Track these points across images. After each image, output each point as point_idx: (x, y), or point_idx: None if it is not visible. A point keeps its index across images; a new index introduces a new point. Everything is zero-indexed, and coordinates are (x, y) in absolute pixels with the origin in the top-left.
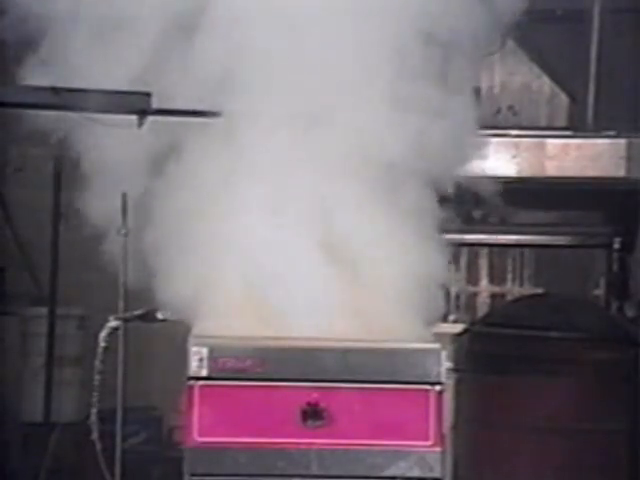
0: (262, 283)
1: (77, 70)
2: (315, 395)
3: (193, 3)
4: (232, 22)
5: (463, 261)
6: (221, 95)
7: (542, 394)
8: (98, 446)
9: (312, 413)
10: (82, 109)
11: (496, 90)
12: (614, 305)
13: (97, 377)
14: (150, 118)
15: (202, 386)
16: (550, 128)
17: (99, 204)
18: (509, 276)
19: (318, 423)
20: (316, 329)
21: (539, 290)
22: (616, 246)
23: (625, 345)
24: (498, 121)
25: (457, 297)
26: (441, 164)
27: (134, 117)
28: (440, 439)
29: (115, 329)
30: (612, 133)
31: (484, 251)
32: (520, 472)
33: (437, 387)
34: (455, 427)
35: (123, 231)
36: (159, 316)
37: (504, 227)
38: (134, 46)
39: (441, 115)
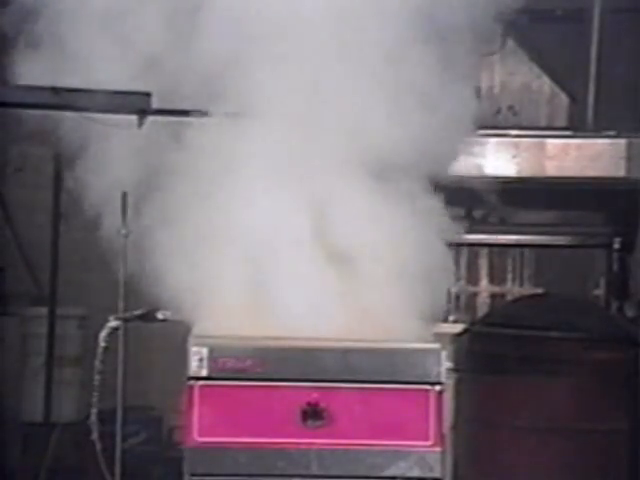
0: (261, 283)
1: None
2: (315, 395)
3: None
4: (229, 21)
5: (463, 261)
6: (220, 93)
7: (542, 394)
8: (98, 446)
9: (312, 413)
10: (82, 109)
11: (496, 90)
12: (614, 305)
13: (97, 377)
14: (150, 118)
15: (202, 386)
16: (550, 128)
17: (99, 204)
18: (509, 276)
19: (318, 423)
20: (315, 329)
21: (539, 290)
22: (616, 246)
23: (625, 345)
24: (498, 121)
25: (457, 297)
26: (438, 158)
27: (134, 117)
28: (440, 439)
29: (115, 329)
30: (612, 133)
31: (484, 251)
32: (520, 472)
33: (437, 387)
34: (455, 427)
35: (123, 231)
36: (159, 316)
37: (504, 227)
38: (134, 44)
39: (437, 108)
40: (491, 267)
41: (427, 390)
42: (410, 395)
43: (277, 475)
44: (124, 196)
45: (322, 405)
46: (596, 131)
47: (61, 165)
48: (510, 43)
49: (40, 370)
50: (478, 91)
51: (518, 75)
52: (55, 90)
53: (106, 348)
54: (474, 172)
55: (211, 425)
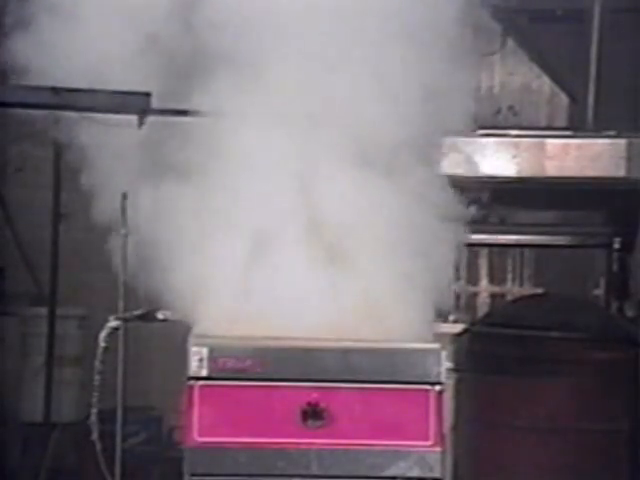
0: (259, 282)
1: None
2: (315, 395)
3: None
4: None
5: (463, 261)
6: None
7: (542, 394)
8: (98, 446)
9: (312, 413)
10: (82, 109)
11: (496, 90)
12: (614, 305)
13: (97, 377)
14: (150, 118)
15: (202, 386)
16: (550, 128)
17: (99, 204)
18: (509, 276)
19: (318, 423)
20: (315, 329)
21: (539, 290)
22: (616, 246)
23: (625, 345)
24: (498, 121)
25: (457, 297)
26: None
27: (134, 117)
28: (440, 439)
29: (115, 329)
30: (612, 133)
31: (484, 251)
32: (520, 472)
33: (437, 387)
34: (455, 427)
35: (123, 231)
36: (159, 316)
37: (504, 227)
38: (133, 43)
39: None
40: (491, 267)
41: (427, 390)
42: (410, 395)
43: (277, 475)
44: (124, 196)
45: (322, 405)
46: (596, 131)
47: (61, 165)
48: (510, 43)
49: (40, 370)
50: (478, 90)
51: (518, 75)
52: (55, 90)
53: (106, 348)
54: (474, 172)
55: (211, 425)
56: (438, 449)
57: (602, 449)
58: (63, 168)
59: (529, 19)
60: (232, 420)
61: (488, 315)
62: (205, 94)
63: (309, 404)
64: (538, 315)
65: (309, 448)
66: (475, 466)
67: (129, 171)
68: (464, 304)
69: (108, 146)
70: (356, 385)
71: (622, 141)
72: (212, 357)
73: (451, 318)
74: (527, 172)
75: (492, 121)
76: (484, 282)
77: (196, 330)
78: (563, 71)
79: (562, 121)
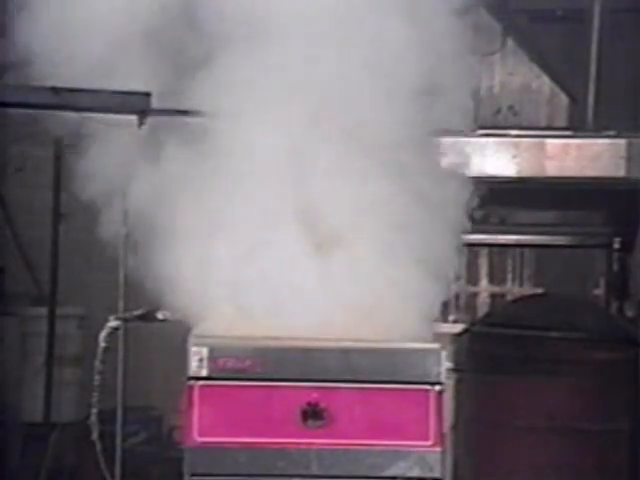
0: (258, 282)
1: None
2: (315, 395)
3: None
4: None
5: (463, 261)
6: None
7: (542, 394)
8: (98, 446)
9: (312, 413)
10: (82, 109)
11: (496, 90)
12: (614, 305)
13: (97, 377)
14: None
15: (202, 386)
16: (550, 128)
17: (99, 204)
18: (509, 276)
19: (318, 423)
20: (314, 329)
21: (539, 290)
22: (616, 246)
23: (625, 345)
24: (498, 121)
25: (457, 297)
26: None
27: (134, 117)
28: (440, 439)
29: (115, 329)
30: (612, 133)
31: (484, 251)
32: (520, 472)
33: (437, 387)
34: (455, 427)
35: (123, 231)
36: (159, 316)
37: (504, 227)
38: (134, 44)
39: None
40: (491, 267)
41: (427, 390)
42: (410, 395)
43: (277, 475)
44: (124, 196)
45: (322, 405)
46: (596, 131)
47: (61, 165)
48: (510, 43)
49: (40, 370)
50: (477, 90)
51: (518, 75)
52: (55, 90)
53: (106, 348)
54: (474, 172)
55: (211, 425)
56: (438, 449)
57: (602, 449)
58: (63, 168)
59: (529, 19)
60: (232, 420)
61: (488, 315)
62: (202, 92)
63: (309, 404)
64: (538, 315)
65: (309, 448)
66: (475, 466)
67: (129, 170)
68: (464, 304)
69: (108, 146)
70: (356, 385)
71: (622, 141)
72: (212, 357)
73: (451, 318)
74: (527, 172)
75: (492, 121)
76: (484, 282)
77: (196, 330)
78: (563, 71)
79: (562, 121)
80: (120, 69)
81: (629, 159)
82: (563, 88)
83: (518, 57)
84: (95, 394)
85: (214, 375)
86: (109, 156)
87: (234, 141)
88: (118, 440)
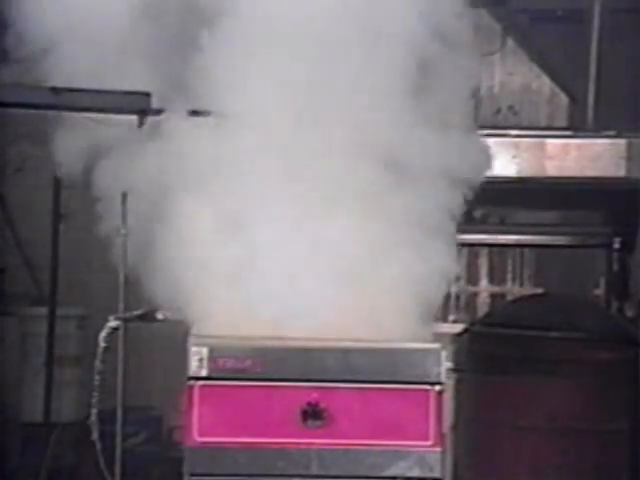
0: (257, 283)
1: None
2: (315, 395)
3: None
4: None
5: (463, 261)
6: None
7: (542, 394)
8: (98, 446)
9: (312, 413)
10: (82, 109)
11: (496, 90)
12: (614, 305)
13: (97, 377)
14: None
15: (202, 386)
16: (550, 128)
17: (99, 204)
18: (509, 276)
19: (318, 423)
20: (313, 329)
21: (539, 290)
22: (616, 246)
23: (625, 345)
24: (498, 121)
25: (457, 297)
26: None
27: (134, 117)
28: (440, 439)
29: (115, 329)
30: (612, 133)
31: (484, 251)
32: (520, 472)
33: (437, 387)
34: (455, 427)
35: (123, 231)
36: (159, 316)
37: (504, 227)
38: (136, 45)
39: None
40: (491, 267)
41: (427, 390)
42: (410, 395)
43: (277, 475)
44: (124, 196)
45: (322, 405)
46: (596, 131)
47: (61, 165)
48: (510, 43)
49: (40, 370)
50: (478, 91)
51: (518, 75)
52: (55, 90)
53: (106, 348)
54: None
55: (211, 425)
56: (438, 449)
57: (602, 449)
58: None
59: (529, 19)
60: (232, 420)
61: (488, 315)
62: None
63: (309, 404)
64: (538, 315)
65: (309, 448)
66: (475, 466)
67: (129, 171)
68: (464, 304)
69: (108, 146)
70: (356, 385)
71: (622, 141)
72: (212, 357)
73: (451, 318)
74: (527, 172)
75: (492, 121)
76: (484, 282)
77: (196, 330)
78: (563, 71)
79: (562, 121)
80: (118, 68)
81: (629, 159)
82: (563, 88)
83: (518, 57)
84: (95, 394)
85: (214, 375)
86: (109, 155)
87: (233, 141)
88: (118, 440)
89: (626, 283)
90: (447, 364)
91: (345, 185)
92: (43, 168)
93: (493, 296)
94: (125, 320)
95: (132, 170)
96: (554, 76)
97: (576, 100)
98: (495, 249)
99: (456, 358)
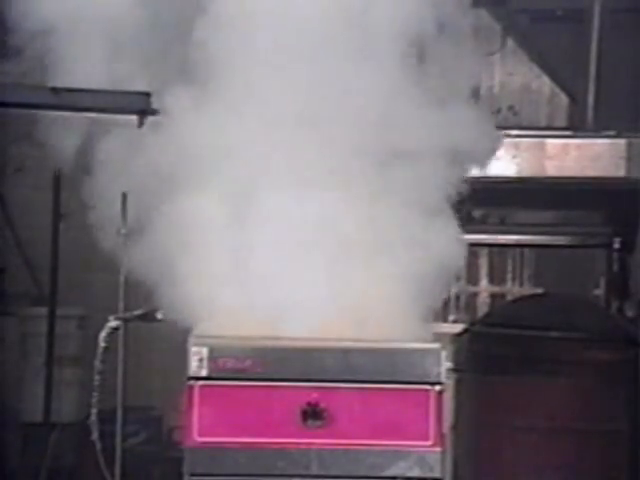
0: (258, 283)
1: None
2: (315, 395)
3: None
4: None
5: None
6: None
7: (542, 394)
8: (98, 446)
9: (312, 413)
10: (82, 109)
11: (496, 90)
12: (614, 305)
13: (97, 377)
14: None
15: (202, 386)
16: (550, 128)
17: (99, 204)
18: (509, 276)
19: (318, 423)
20: (313, 330)
21: (539, 290)
22: (616, 246)
23: (625, 345)
24: (498, 121)
25: (457, 297)
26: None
27: (134, 117)
28: (440, 439)
29: (115, 329)
30: (612, 133)
31: (484, 251)
32: (520, 472)
33: (437, 387)
34: (455, 427)
35: (123, 231)
36: (159, 316)
37: (504, 227)
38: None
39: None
40: (491, 267)
41: (427, 390)
42: (410, 395)
43: (277, 475)
44: (124, 196)
45: (322, 405)
46: (596, 131)
47: (61, 165)
48: (510, 43)
49: (40, 370)
50: (478, 91)
51: (518, 75)
52: (55, 90)
53: (106, 348)
54: (474, 172)
55: (211, 425)
56: (438, 449)
57: (602, 449)
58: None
59: (529, 19)
60: (232, 420)
61: (488, 315)
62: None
63: (309, 404)
64: (538, 315)
65: (309, 448)
66: (475, 466)
67: (129, 171)
68: (464, 304)
69: (108, 146)
70: (356, 385)
71: (622, 141)
72: (212, 357)
73: (451, 318)
74: (527, 172)
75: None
76: (484, 282)
77: (196, 330)
78: (563, 71)
79: (562, 121)
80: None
81: (629, 159)
82: (563, 88)
83: (518, 57)
84: (95, 394)
85: (214, 375)
86: (109, 155)
87: (232, 141)
88: (118, 440)
89: (626, 283)
90: (447, 364)
91: (343, 185)
92: (43, 168)
93: (493, 296)
94: (125, 320)
95: (132, 169)
96: (554, 76)
97: (576, 100)
98: (495, 249)
99: (456, 358)
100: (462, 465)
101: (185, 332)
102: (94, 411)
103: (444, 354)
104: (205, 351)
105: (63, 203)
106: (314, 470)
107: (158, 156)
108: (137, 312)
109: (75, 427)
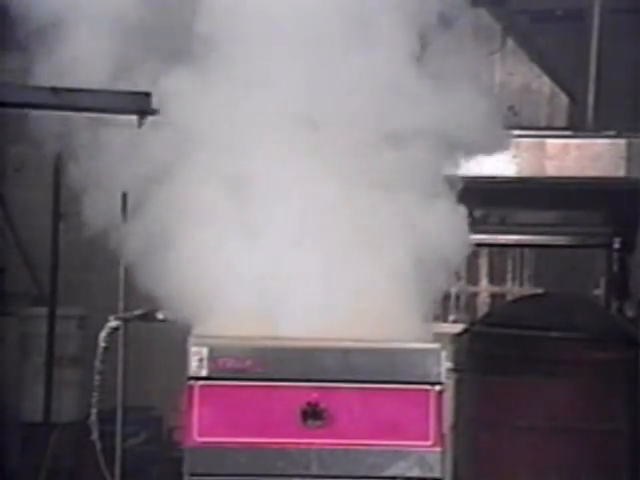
0: (257, 284)
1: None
2: (315, 395)
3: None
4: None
5: (463, 261)
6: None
7: (542, 394)
8: (98, 446)
9: (312, 413)
10: (82, 109)
11: (496, 90)
12: (614, 305)
13: (97, 377)
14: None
15: (202, 386)
16: (550, 128)
17: (99, 204)
18: (509, 276)
19: (318, 423)
20: (313, 330)
21: (539, 290)
22: (616, 246)
23: (625, 345)
24: None
25: (457, 297)
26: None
27: (134, 117)
28: (440, 439)
29: (115, 329)
30: (612, 133)
31: (484, 251)
32: (520, 472)
33: (437, 387)
34: (455, 427)
35: (123, 230)
36: (159, 316)
37: (504, 227)
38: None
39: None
40: (491, 267)
41: (427, 390)
42: (410, 395)
43: (277, 475)
44: (124, 196)
45: (322, 405)
46: (596, 131)
47: (61, 165)
48: (510, 43)
49: (40, 370)
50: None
51: (518, 75)
52: (55, 90)
53: (106, 348)
54: (474, 172)
55: (211, 425)
56: (438, 449)
57: (602, 449)
58: (63, 168)
59: (529, 19)
60: (232, 420)
61: (488, 315)
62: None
63: (309, 404)
64: (538, 315)
65: (309, 448)
66: (475, 466)
67: (130, 171)
68: (464, 304)
69: (108, 146)
70: (356, 385)
71: (622, 141)
72: (212, 357)
73: (451, 318)
74: (527, 172)
75: None
76: (484, 282)
77: (196, 330)
78: (563, 71)
79: (562, 121)
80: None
81: (629, 159)
82: (563, 88)
83: (518, 57)
84: (95, 394)
85: (214, 375)
86: (109, 155)
87: (231, 141)
88: (118, 440)
89: (626, 283)
90: (447, 364)
91: (342, 185)
92: (43, 168)
93: (493, 296)
94: (125, 320)
95: (132, 169)
96: (554, 76)
97: (576, 100)
98: (495, 249)
99: (456, 358)
100: (462, 465)
101: (185, 332)
102: (94, 411)
103: (444, 354)
104: (205, 351)
105: (63, 203)
106: (314, 470)
107: (158, 152)
108: (137, 312)
109: (75, 427)
